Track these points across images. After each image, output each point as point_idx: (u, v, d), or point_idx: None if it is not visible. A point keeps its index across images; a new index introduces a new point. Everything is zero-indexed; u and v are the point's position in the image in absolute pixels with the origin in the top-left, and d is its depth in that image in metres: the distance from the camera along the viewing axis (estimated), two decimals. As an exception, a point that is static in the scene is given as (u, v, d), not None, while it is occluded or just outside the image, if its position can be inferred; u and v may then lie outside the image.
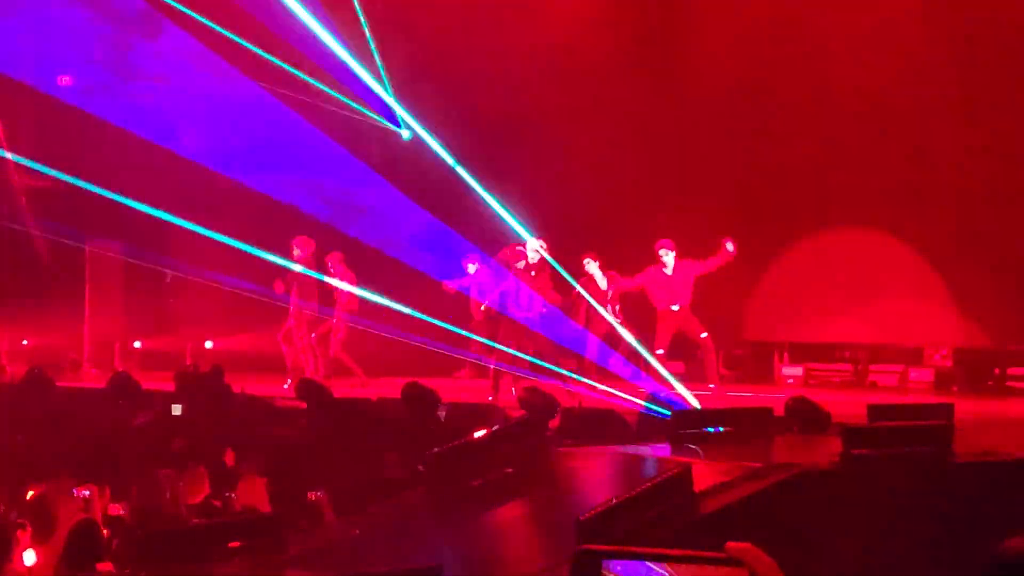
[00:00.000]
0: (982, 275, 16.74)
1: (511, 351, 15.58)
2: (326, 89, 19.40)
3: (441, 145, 18.58)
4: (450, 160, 18.31)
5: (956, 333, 17.57)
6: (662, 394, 12.70)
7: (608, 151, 18.92)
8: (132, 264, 20.85)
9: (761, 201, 18.45)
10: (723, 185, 18.66)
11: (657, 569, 3.23)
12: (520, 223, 16.96)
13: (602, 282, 16.11)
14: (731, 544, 3.14)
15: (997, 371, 17.56)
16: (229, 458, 10.49)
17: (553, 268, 16.22)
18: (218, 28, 18.53)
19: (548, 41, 18.99)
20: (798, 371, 18.71)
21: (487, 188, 17.83)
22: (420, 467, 8.65)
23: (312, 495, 8.87)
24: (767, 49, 18.09)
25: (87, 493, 9.16)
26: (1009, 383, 17.40)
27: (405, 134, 20.01)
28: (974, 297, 16.91)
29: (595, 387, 14.97)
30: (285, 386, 15.91)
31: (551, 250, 16.34)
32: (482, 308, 16.74)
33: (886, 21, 17.26)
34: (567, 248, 16.78)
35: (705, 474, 7.03)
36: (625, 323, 16.27)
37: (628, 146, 18.93)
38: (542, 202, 18.07)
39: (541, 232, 16.59)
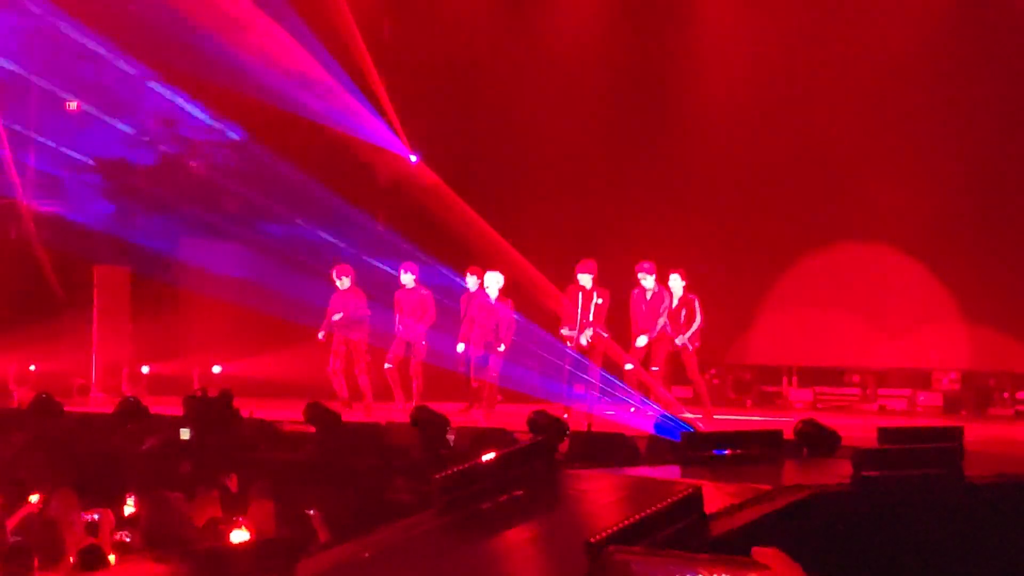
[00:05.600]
0: (991, 298, 16.72)
1: None
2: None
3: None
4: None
5: (965, 356, 17.54)
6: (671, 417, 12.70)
7: (606, 169, 19.02)
8: (140, 289, 20.90)
9: (767, 223, 18.45)
10: (728, 206, 18.67)
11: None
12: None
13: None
14: (757, 549, 3.14)
15: (1006, 395, 17.53)
16: (233, 483, 10.49)
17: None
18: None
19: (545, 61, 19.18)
20: (806, 395, 18.69)
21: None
22: (429, 490, 8.63)
23: (308, 511, 8.87)
24: (772, 65, 18.12)
25: (96, 517, 9.16)
26: (1018, 406, 17.37)
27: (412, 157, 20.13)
28: (983, 320, 16.89)
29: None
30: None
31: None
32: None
33: (893, 37, 17.29)
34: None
35: (715, 496, 7.01)
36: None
37: (627, 165, 19.00)
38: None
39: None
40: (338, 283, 16.91)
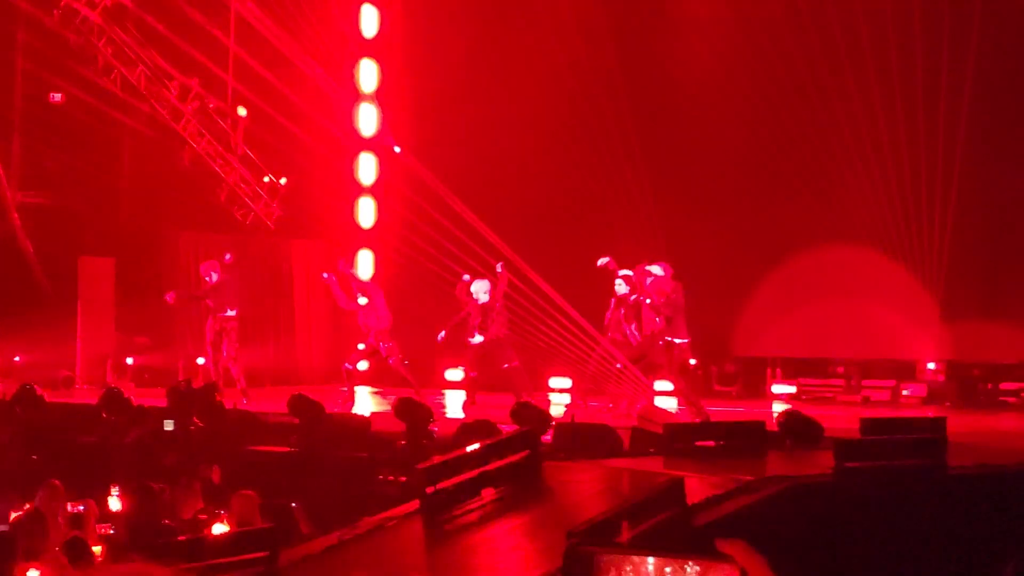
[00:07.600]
0: (974, 290, 16.76)
1: None
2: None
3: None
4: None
5: (948, 348, 17.58)
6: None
7: (598, 166, 18.99)
8: (125, 280, 20.83)
9: (753, 216, 18.47)
10: (714, 199, 18.68)
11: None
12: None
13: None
14: (721, 541, 3.14)
15: (989, 386, 17.59)
16: (216, 475, 10.49)
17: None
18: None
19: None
20: (790, 386, 18.71)
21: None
22: (412, 481, 8.63)
23: (291, 504, 8.88)
24: (760, 61, 18.12)
25: (81, 508, 9.15)
26: (1001, 397, 17.42)
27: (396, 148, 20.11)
28: (967, 312, 16.93)
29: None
30: None
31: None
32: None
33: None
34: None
35: (698, 487, 7.01)
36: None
37: (618, 159, 18.98)
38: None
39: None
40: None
